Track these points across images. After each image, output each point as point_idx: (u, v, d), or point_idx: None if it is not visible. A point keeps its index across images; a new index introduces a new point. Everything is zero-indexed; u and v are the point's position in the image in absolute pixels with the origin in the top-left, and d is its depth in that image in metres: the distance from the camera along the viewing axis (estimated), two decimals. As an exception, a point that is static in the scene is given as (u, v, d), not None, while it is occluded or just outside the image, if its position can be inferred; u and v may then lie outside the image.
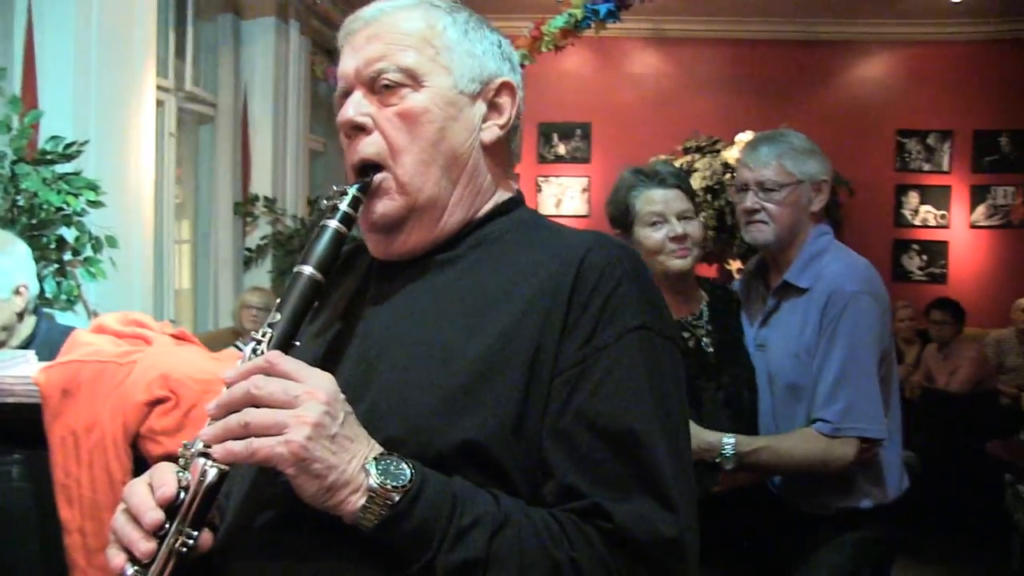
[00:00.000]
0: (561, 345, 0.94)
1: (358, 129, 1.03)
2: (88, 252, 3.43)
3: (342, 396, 0.88)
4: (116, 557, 0.87)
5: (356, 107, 1.03)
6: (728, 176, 6.40)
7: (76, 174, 3.36)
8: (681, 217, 1.98)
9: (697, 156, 6.68)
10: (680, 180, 2.04)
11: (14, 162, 3.24)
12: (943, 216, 7.40)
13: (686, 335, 1.98)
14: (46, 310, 2.59)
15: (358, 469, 0.85)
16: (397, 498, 0.84)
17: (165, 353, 1.62)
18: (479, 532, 0.86)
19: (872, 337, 1.92)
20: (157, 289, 4.40)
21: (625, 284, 0.96)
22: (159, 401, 1.51)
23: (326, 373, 0.88)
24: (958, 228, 7.40)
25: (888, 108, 7.34)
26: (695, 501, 0.94)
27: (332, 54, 6.64)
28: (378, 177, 1.02)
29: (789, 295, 2.02)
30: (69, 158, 3.37)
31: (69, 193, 3.29)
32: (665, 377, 0.96)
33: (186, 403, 1.50)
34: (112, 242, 3.48)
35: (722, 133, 6.85)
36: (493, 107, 1.08)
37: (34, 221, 3.27)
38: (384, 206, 1.02)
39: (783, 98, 7.24)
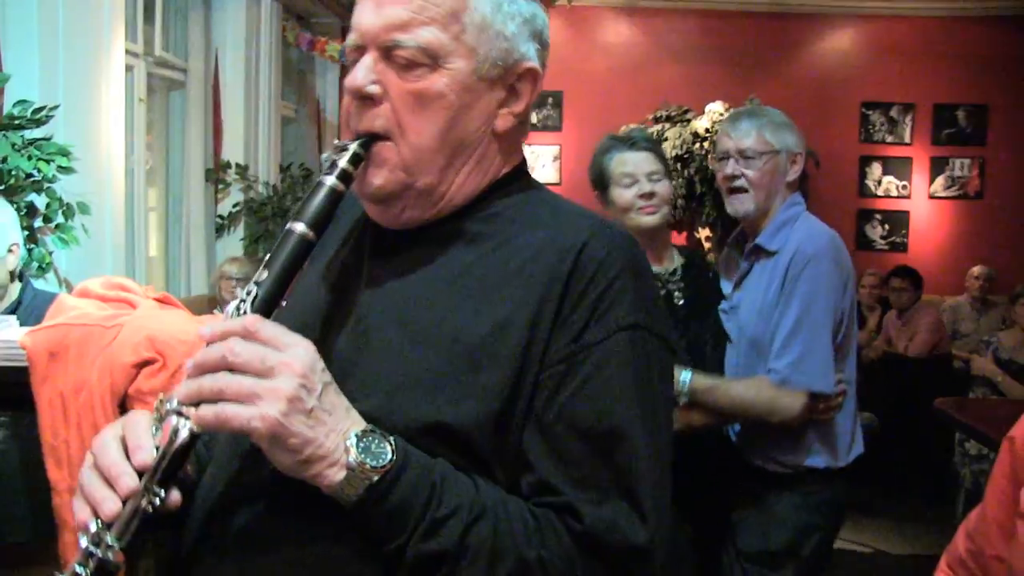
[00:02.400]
0: (552, 338, 0.92)
1: (367, 98, 0.97)
2: (59, 219, 3.42)
3: (321, 366, 0.85)
4: (82, 511, 0.85)
5: (367, 74, 0.96)
6: (697, 145, 6.48)
7: (47, 139, 3.33)
8: (651, 177, 2.11)
9: (667, 125, 6.76)
10: (650, 143, 2.20)
11: (-19, 127, 3.21)
12: (904, 187, 7.56)
13: (657, 284, 2.07)
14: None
15: (336, 443, 0.83)
16: (376, 478, 0.83)
17: (150, 316, 1.65)
18: (454, 524, 0.85)
19: (827, 298, 2.01)
20: (128, 256, 4.39)
21: (622, 279, 0.93)
22: (146, 363, 1.55)
23: (306, 341, 0.85)
24: (918, 199, 7.56)
25: (853, 80, 7.45)
26: (668, 504, 0.92)
27: (304, 20, 6.58)
28: (380, 145, 0.97)
29: (760, 258, 2.14)
30: (39, 123, 3.34)
31: (40, 159, 3.27)
32: (653, 378, 0.94)
33: (172, 364, 1.54)
34: (84, 208, 3.46)
35: (692, 103, 6.92)
36: (512, 92, 1.02)
37: (2, 188, 3.25)
38: (382, 178, 0.97)
39: (752, 69, 7.31)
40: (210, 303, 4.70)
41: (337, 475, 0.83)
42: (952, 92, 7.42)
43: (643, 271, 0.98)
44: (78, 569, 0.83)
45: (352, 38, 1.00)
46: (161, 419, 0.87)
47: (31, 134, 3.30)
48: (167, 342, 1.58)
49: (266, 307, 0.89)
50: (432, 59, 0.95)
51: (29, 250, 3.31)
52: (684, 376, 1.94)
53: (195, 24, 5.20)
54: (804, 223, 2.12)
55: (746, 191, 2.12)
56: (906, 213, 7.54)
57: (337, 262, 1.07)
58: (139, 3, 4.56)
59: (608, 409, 0.90)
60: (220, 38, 5.33)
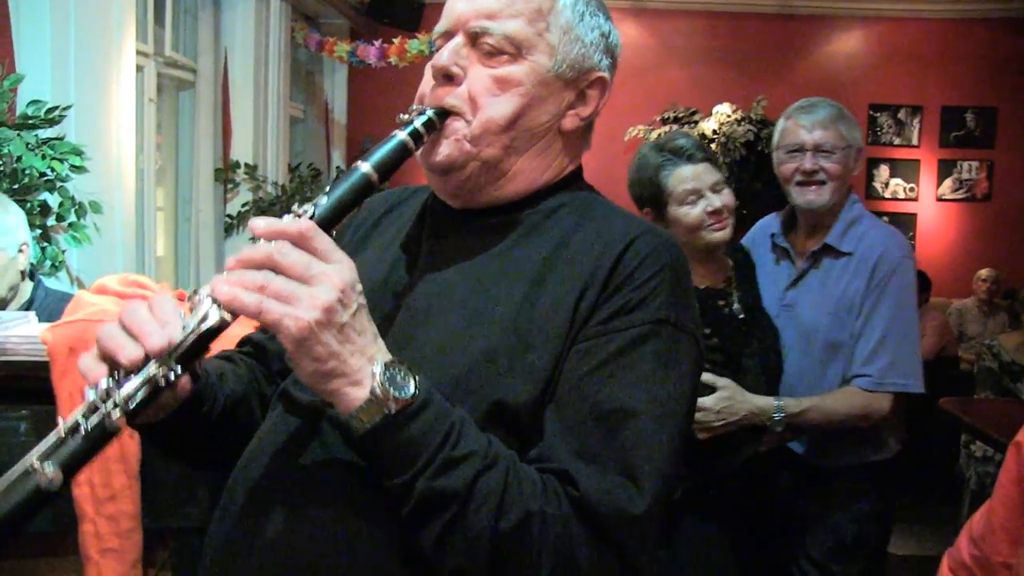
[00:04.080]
0: (588, 320, 0.97)
1: (447, 77, 1.03)
2: (72, 217, 3.45)
3: (359, 287, 0.87)
4: (94, 367, 0.85)
5: (453, 55, 1.03)
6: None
7: (60, 139, 3.37)
8: (715, 189, 2.01)
9: (675, 127, 6.78)
10: (706, 152, 2.07)
11: (-5, 126, 3.25)
12: (912, 189, 7.56)
13: (721, 303, 2.05)
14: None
15: (361, 364, 0.85)
16: (395, 408, 0.85)
17: (167, 313, 1.68)
18: (467, 467, 0.87)
19: (915, 299, 2.10)
20: (139, 256, 4.42)
21: (661, 276, 0.98)
22: (164, 358, 1.57)
23: (350, 260, 0.87)
24: (926, 201, 7.57)
25: (861, 83, 7.45)
26: (670, 487, 0.95)
27: (313, 20, 6.61)
28: (451, 119, 1.03)
29: (828, 257, 2.13)
30: (52, 123, 3.37)
31: (54, 158, 3.30)
32: (674, 369, 0.97)
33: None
34: (96, 208, 3.49)
35: (699, 104, 6.93)
36: (581, 97, 1.09)
37: (16, 187, 3.28)
38: (448, 148, 1.03)
39: (760, 71, 7.32)
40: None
41: (357, 396, 0.85)
42: (960, 94, 7.43)
43: (684, 274, 1.03)
44: (80, 419, 0.82)
45: (442, 24, 1.07)
46: (191, 308, 0.87)
47: (44, 133, 3.33)
48: (184, 337, 1.60)
49: (320, 226, 0.90)
50: (516, 49, 1.03)
51: (42, 248, 3.34)
52: (778, 405, 1.97)
53: (204, 24, 5.23)
54: (872, 223, 2.17)
55: (824, 183, 2.11)
56: (913, 215, 7.55)
57: (398, 243, 1.12)
58: (149, 3, 4.60)
59: (620, 390, 0.94)
60: (229, 38, 5.36)
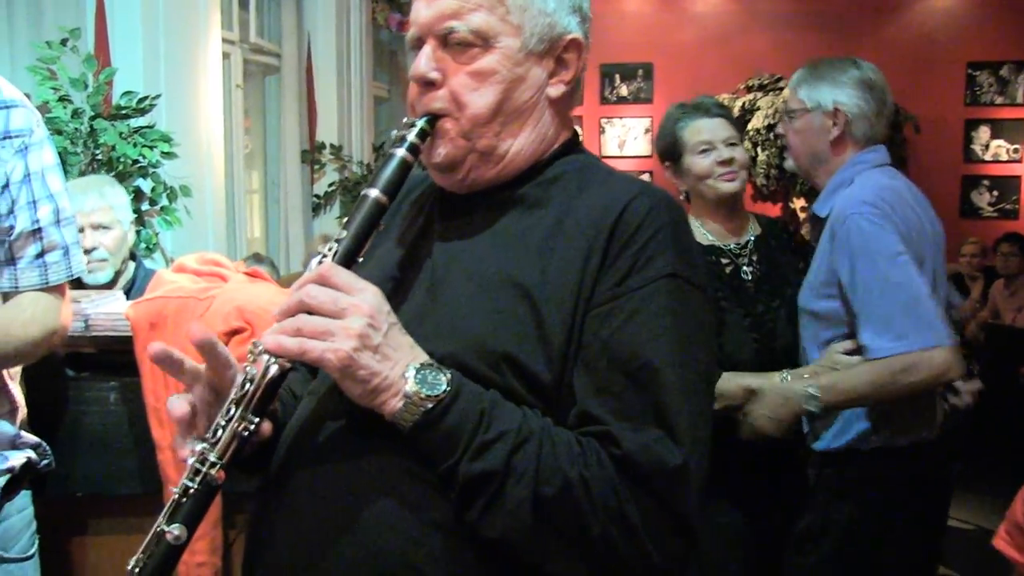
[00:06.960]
0: (598, 282, 1.00)
1: (429, 83, 1.08)
2: (164, 202, 3.62)
3: (387, 308, 0.95)
4: (183, 448, 0.99)
5: (428, 62, 1.08)
6: (789, 114, 6.33)
7: (150, 127, 3.53)
8: (727, 143, 2.08)
9: (759, 94, 6.63)
10: (723, 110, 2.16)
11: (92, 118, 3.42)
12: (1016, 151, 7.19)
13: (725, 261, 2.09)
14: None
15: (399, 375, 0.93)
16: (430, 406, 0.93)
17: (240, 289, 1.78)
18: (501, 446, 0.93)
19: (884, 248, 1.80)
20: (230, 237, 4.60)
21: (663, 232, 1.02)
22: (236, 332, 1.67)
23: (374, 287, 0.96)
24: (1031, 162, 7.19)
25: (958, 39, 7.11)
26: (706, 435, 0.99)
27: (393, 1, 6.70)
28: (442, 120, 1.08)
29: (818, 225, 2.00)
30: (143, 112, 3.53)
31: (145, 146, 3.47)
32: (689, 321, 1.01)
33: (260, 332, 1.64)
34: (186, 191, 3.65)
35: (784, 71, 6.72)
36: (560, 63, 1.12)
37: (112, 174, 3.46)
38: (445, 148, 1.08)
39: (847, 33, 7.06)
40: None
41: (398, 403, 0.94)
42: (1070, 47, 7.01)
43: (684, 228, 1.06)
44: (187, 482, 0.96)
45: (412, 33, 1.12)
46: (254, 360, 0.98)
47: (136, 122, 3.50)
48: (255, 312, 1.69)
49: (345, 260, 1.00)
50: (484, 40, 1.06)
51: (138, 232, 3.52)
52: (812, 390, 1.83)
53: (287, 10, 5.37)
54: (859, 183, 1.92)
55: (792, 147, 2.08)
56: (1017, 178, 7.18)
57: (413, 228, 1.19)
58: (234, -9, 4.74)
59: (644, 346, 0.98)
60: (311, 23, 5.49)
